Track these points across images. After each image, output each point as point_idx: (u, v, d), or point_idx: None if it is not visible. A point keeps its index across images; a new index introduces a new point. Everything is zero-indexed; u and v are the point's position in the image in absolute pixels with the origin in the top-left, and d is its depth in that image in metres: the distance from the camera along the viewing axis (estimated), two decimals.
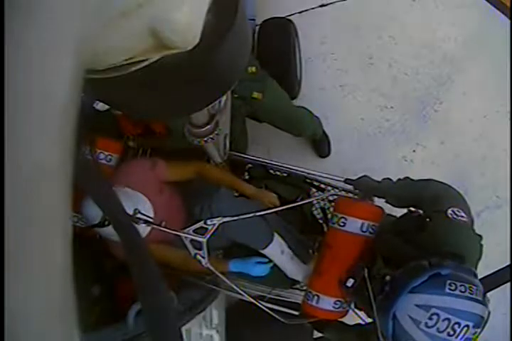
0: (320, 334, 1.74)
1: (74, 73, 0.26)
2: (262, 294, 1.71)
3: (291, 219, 1.77)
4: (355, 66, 2.78)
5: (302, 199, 1.86)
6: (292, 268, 1.67)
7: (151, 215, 1.47)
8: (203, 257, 1.48)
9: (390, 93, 2.77)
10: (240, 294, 1.58)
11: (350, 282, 1.38)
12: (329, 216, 1.89)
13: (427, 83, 2.81)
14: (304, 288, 1.78)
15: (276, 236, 1.61)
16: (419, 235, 1.26)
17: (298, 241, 1.71)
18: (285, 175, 1.96)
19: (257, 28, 2.38)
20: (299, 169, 1.88)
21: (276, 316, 1.60)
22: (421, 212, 1.42)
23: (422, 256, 1.14)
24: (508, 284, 2.50)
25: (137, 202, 1.45)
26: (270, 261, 1.65)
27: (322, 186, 1.96)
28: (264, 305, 1.60)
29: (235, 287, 1.56)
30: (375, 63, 2.79)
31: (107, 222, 1.36)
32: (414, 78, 2.80)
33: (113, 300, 1.69)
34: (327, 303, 1.50)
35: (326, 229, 1.83)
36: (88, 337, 1.14)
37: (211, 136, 1.09)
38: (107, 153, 1.81)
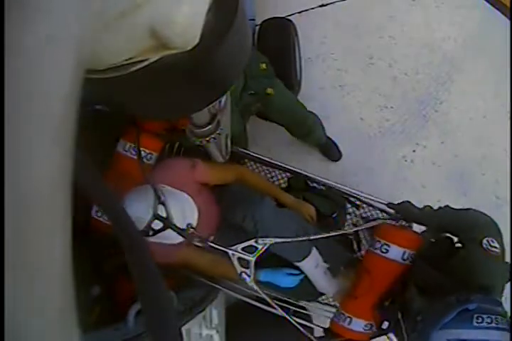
0: (319, 335, 1.74)
1: (74, 73, 0.26)
2: (287, 306, 1.70)
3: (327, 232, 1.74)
4: (355, 66, 2.78)
5: (338, 215, 1.87)
6: (323, 282, 1.66)
7: (196, 217, 1.44)
8: (249, 276, 1.48)
9: (390, 93, 2.77)
10: (274, 308, 1.58)
11: (384, 308, 1.50)
12: (362, 235, 1.88)
13: (427, 83, 2.81)
14: (332, 303, 1.81)
15: (314, 249, 1.61)
16: (450, 262, 1.33)
17: (334, 256, 1.70)
18: (323, 188, 1.95)
19: (257, 28, 2.38)
20: (340, 185, 1.88)
21: (306, 332, 1.62)
22: (455, 238, 1.48)
23: (452, 286, 1.23)
24: (508, 284, 2.50)
25: (183, 202, 1.40)
26: (301, 272, 1.64)
27: (357, 203, 1.96)
28: (294, 320, 1.61)
29: (269, 301, 1.55)
30: (375, 63, 2.79)
31: (151, 232, 1.31)
32: (414, 78, 2.80)
33: (113, 300, 1.69)
34: (358, 325, 1.54)
35: (355, 245, 1.85)
36: (88, 337, 1.14)
37: (213, 136, 1.09)
38: (148, 151, 1.73)
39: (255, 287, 1.50)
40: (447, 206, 1.56)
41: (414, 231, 1.64)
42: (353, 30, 2.79)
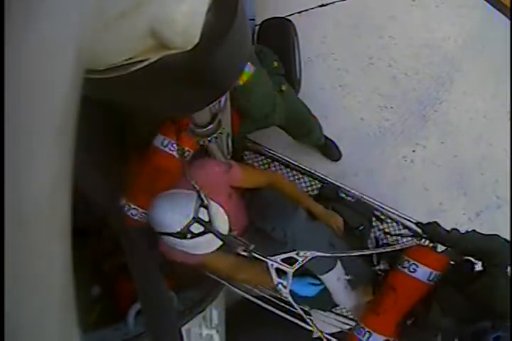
0: (319, 335, 1.74)
1: (74, 73, 0.26)
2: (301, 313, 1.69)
3: (352, 246, 1.77)
4: (355, 66, 2.78)
5: (364, 228, 1.87)
6: (343, 295, 1.66)
7: (228, 224, 1.41)
8: (285, 287, 1.48)
9: (390, 93, 2.77)
10: (310, 325, 1.61)
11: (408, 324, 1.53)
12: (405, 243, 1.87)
13: (427, 83, 2.81)
14: (345, 314, 1.84)
15: (338, 263, 1.62)
16: (473, 286, 1.36)
17: (356, 270, 1.71)
18: (353, 200, 1.96)
19: (257, 28, 2.38)
20: (370, 198, 1.90)
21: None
22: (477, 262, 1.53)
23: (475, 310, 1.28)
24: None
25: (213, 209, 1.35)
26: (322, 283, 1.65)
27: (382, 217, 1.97)
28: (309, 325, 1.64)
29: (304, 315, 1.57)
30: (375, 63, 2.79)
31: (189, 235, 1.26)
32: (414, 78, 2.80)
33: (113, 300, 1.69)
34: (375, 340, 1.58)
35: (375, 259, 1.84)
36: (88, 337, 1.14)
37: (215, 135, 1.09)
38: (186, 149, 1.68)
39: (290, 298, 1.50)
40: (474, 230, 1.60)
41: (441, 253, 1.66)
42: (353, 30, 2.79)
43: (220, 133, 1.09)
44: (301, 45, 2.46)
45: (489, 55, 2.83)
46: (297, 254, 1.46)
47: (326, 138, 2.59)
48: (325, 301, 1.71)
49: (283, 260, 1.45)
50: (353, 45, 2.78)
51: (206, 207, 1.30)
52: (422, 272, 1.54)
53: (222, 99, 1.01)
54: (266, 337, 2.13)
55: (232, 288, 1.71)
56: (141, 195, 1.56)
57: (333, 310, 1.88)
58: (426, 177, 2.71)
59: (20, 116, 0.23)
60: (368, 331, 1.58)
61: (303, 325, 1.70)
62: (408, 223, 1.83)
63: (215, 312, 1.76)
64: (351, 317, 1.81)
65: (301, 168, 1.98)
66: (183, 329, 1.43)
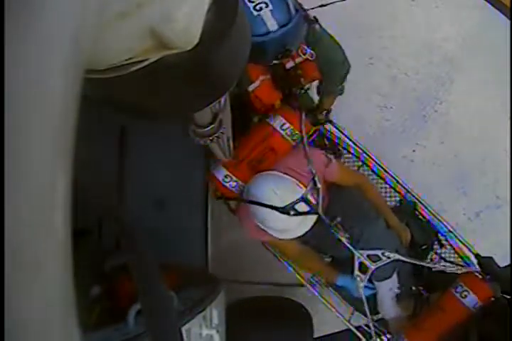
0: (320, 334, 1.76)
1: (74, 73, 0.26)
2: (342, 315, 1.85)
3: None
4: (355, 66, 2.77)
5: (427, 248, 1.97)
6: (388, 304, 1.75)
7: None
8: (362, 281, 1.61)
9: (390, 93, 2.77)
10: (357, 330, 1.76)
11: None
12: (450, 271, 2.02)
13: (427, 83, 2.81)
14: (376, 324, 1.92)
15: (395, 274, 1.71)
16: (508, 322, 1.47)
17: (407, 285, 1.79)
18: (423, 219, 2.04)
19: None
20: (441, 222, 1.98)
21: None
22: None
23: None
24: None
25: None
26: (374, 288, 1.74)
27: (444, 242, 2.05)
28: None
29: (369, 316, 1.70)
30: (375, 63, 2.79)
31: (292, 212, 1.34)
32: (414, 78, 2.80)
33: (113, 300, 1.69)
34: None
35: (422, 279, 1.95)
36: (88, 337, 1.14)
37: (216, 135, 1.09)
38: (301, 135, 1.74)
39: (362, 292, 1.61)
40: None
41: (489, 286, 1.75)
42: (353, 30, 2.79)
43: (222, 132, 1.10)
44: None
45: (489, 55, 2.82)
46: (382, 254, 1.60)
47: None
48: (369, 307, 1.80)
49: (368, 256, 1.58)
50: (353, 45, 2.78)
51: (318, 191, 1.44)
52: (471, 300, 1.67)
53: (222, 99, 1.01)
54: (266, 337, 2.13)
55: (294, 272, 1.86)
56: (246, 170, 1.64)
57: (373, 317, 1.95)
58: (426, 177, 2.71)
59: (20, 116, 0.23)
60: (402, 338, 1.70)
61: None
62: (467, 252, 1.93)
63: (215, 312, 1.76)
64: (379, 328, 1.88)
65: (388, 178, 2.07)
66: (183, 329, 1.43)
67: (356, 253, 1.58)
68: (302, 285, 2.47)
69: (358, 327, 1.95)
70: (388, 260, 1.60)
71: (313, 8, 2.79)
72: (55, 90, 0.25)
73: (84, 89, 0.28)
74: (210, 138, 1.09)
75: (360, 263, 1.61)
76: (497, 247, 2.44)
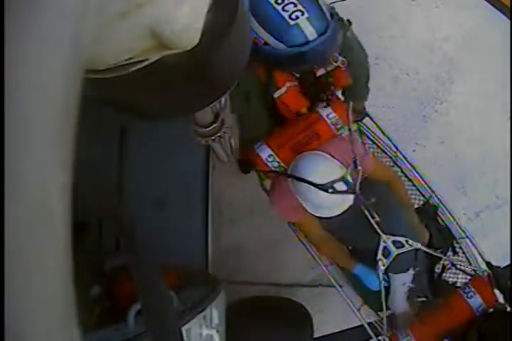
0: (320, 334, 1.76)
1: (74, 73, 0.26)
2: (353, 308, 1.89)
3: (426, 263, 1.96)
4: None
5: (441, 252, 2.01)
6: (399, 299, 1.81)
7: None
8: (383, 265, 1.68)
9: (391, 93, 2.76)
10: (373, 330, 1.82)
11: None
12: (459, 280, 2.09)
13: (427, 83, 2.81)
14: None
15: (411, 269, 1.78)
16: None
17: (420, 284, 1.87)
18: (444, 225, 2.10)
19: None
20: (459, 231, 2.04)
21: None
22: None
23: None
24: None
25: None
26: (388, 282, 1.82)
27: (457, 250, 2.10)
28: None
29: (383, 298, 1.75)
30: (375, 63, 2.79)
31: (330, 190, 1.41)
32: (415, 78, 2.80)
33: (113, 300, 1.69)
34: None
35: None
36: (88, 337, 1.13)
37: (219, 134, 1.09)
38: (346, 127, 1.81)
39: (381, 276, 1.68)
40: None
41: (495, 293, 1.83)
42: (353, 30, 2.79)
43: (224, 132, 1.10)
44: None
45: (489, 55, 2.82)
46: (406, 241, 1.66)
47: None
48: (378, 301, 1.84)
49: (393, 241, 1.65)
50: None
51: (358, 172, 1.54)
52: (477, 301, 1.76)
53: (222, 98, 1.01)
54: (266, 337, 2.13)
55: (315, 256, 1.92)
56: (290, 152, 1.70)
57: (379, 312, 1.99)
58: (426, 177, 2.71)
59: (20, 116, 0.23)
60: (409, 335, 1.76)
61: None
62: (479, 260, 1.98)
63: (215, 312, 1.76)
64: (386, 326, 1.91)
65: (415, 179, 2.14)
66: (183, 329, 1.43)
67: (383, 237, 1.64)
68: (303, 286, 2.48)
69: (368, 324, 1.98)
70: (410, 248, 1.66)
71: None
72: (55, 90, 0.25)
73: (84, 89, 0.28)
74: (212, 137, 1.09)
75: (384, 248, 1.66)
76: (497, 247, 2.44)
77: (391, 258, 1.67)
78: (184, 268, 1.77)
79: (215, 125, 1.03)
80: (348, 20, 1.60)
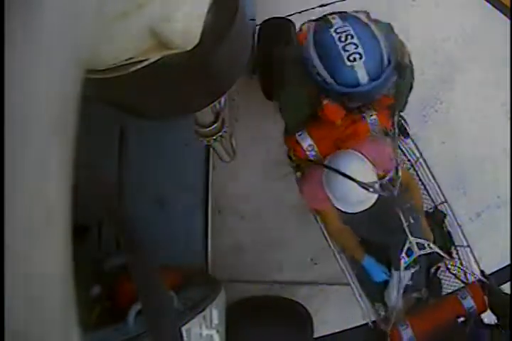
0: (320, 334, 1.76)
1: (74, 73, 0.26)
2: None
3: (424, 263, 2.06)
4: None
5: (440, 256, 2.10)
6: (395, 294, 1.92)
7: None
8: (405, 262, 1.81)
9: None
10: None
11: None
12: (450, 284, 2.20)
13: (428, 83, 2.80)
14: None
15: (412, 269, 1.90)
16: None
17: (417, 282, 1.99)
18: (446, 231, 2.21)
19: (257, 28, 2.37)
20: (462, 238, 2.13)
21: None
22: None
23: None
24: (508, 284, 2.50)
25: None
26: (390, 276, 1.96)
27: (454, 255, 2.18)
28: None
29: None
30: None
31: (371, 189, 1.51)
32: (415, 78, 2.80)
33: (113, 300, 1.69)
34: (408, 334, 1.87)
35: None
36: (88, 337, 1.13)
37: (220, 134, 1.09)
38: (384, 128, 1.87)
39: (402, 273, 1.81)
40: None
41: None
42: None
43: (226, 131, 1.09)
44: None
45: (489, 54, 2.82)
46: (428, 245, 1.80)
47: None
48: (380, 292, 2.01)
49: (417, 243, 1.79)
50: None
51: (398, 178, 1.68)
52: (469, 303, 1.89)
53: (222, 98, 1.01)
54: (266, 337, 2.14)
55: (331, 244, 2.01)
56: (329, 146, 1.78)
57: (375, 304, 2.10)
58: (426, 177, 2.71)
59: (20, 116, 0.23)
60: (408, 324, 1.88)
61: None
62: (475, 268, 2.07)
63: (215, 312, 1.76)
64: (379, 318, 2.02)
65: (429, 185, 2.24)
66: (183, 329, 1.43)
67: (410, 238, 1.78)
68: (303, 283, 2.49)
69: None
70: (430, 250, 1.81)
71: (313, 8, 2.80)
72: (55, 90, 0.25)
73: (84, 89, 0.28)
74: (214, 137, 1.09)
75: (408, 249, 1.80)
76: (497, 247, 2.44)
77: (412, 258, 1.80)
78: (184, 268, 1.77)
79: (216, 125, 1.03)
80: (411, 61, 1.71)
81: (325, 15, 1.41)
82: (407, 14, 2.84)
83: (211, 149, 2.02)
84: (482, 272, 2.03)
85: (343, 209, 1.70)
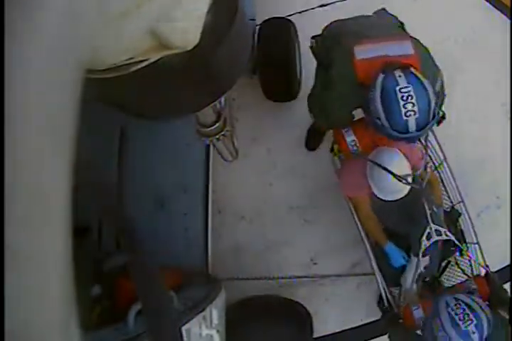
0: (320, 334, 1.76)
1: (74, 73, 0.26)
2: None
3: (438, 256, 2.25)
4: None
5: (451, 252, 2.28)
6: (410, 278, 2.11)
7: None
8: (424, 245, 1.99)
9: None
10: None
11: None
12: (457, 277, 2.36)
13: None
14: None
15: (427, 257, 2.08)
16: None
17: (431, 269, 2.17)
18: (460, 228, 2.34)
19: (257, 28, 2.38)
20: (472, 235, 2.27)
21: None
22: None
23: None
24: (508, 284, 2.50)
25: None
26: (408, 261, 2.14)
27: (463, 251, 2.29)
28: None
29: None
30: None
31: (404, 181, 1.77)
32: None
33: (113, 300, 1.69)
34: (419, 313, 2.04)
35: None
36: (88, 337, 1.13)
37: (222, 133, 1.09)
38: None
39: (420, 257, 1.99)
40: None
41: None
42: None
43: (227, 130, 1.09)
44: (302, 45, 2.46)
45: (489, 54, 2.82)
46: (445, 232, 1.99)
47: None
48: (397, 277, 2.19)
49: (436, 230, 1.98)
50: None
51: (426, 173, 1.97)
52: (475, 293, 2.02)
53: (222, 98, 1.01)
54: (266, 337, 2.14)
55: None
56: (369, 142, 2.02)
57: (392, 289, 2.27)
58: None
59: (20, 116, 0.23)
60: (419, 306, 2.05)
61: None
62: (482, 264, 2.20)
63: (215, 312, 1.76)
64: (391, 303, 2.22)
65: (449, 185, 2.36)
66: (183, 329, 1.43)
67: (431, 224, 1.96)
68: (304, 277, 2.50)
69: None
70: (446, 237, 1.98)
71: (313, 8, 2.80)
72: (55, 90, 0.25)
73: (84, 89, 0.28)
74: (216, 136, 1.09)
75: (428, 234, 1.98)
76: (497, 247, 2.44)
77: (429, 244, 1.98)
78: (184, 268, 1.77)
79: (217, 124, 1.03)
80: (444, 114, 2.01)
81: (391, 67, 1.61)
82: (407, 14, 2.84)
83: (211, 149, 2.02)
84: (487, 267, 2.17)
85: (382, 197, 1.93)
